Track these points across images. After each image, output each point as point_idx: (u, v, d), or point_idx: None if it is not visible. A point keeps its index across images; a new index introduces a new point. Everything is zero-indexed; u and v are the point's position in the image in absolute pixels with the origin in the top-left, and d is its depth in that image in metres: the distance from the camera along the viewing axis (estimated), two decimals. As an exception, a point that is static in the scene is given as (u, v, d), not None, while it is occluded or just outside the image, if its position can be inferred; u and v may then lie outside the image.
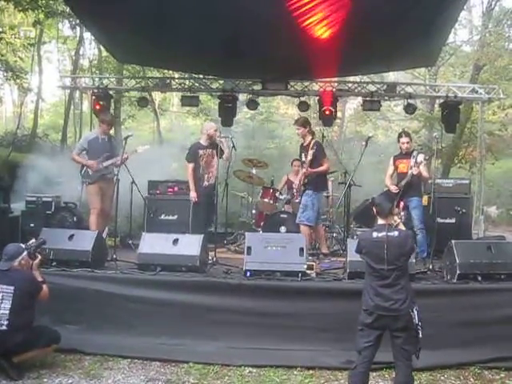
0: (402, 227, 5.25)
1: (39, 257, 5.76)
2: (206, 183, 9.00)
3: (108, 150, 8.73)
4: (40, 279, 5.67)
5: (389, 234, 4.90)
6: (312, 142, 8.61)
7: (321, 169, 8.61)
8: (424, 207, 8.39)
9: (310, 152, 8.45)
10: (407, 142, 8.62)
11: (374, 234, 4.97)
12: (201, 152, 8.99)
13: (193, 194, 8.87)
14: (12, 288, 5.38)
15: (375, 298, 4.81)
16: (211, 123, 10.05)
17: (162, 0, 7.38)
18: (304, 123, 8.87)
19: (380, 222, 5.07)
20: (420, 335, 4.76)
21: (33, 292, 5.52)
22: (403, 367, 4.79)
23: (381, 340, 4.85)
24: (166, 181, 10.01)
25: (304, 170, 8.58)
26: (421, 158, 8.19)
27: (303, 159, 8.74)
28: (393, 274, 4.84)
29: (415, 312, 4.80)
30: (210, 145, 9.02)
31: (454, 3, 7.67)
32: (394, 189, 8.48)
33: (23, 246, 5.76)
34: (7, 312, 5.32)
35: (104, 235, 8.24)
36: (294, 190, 9.24)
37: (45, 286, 5.64)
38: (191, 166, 8.92)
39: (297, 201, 9.35)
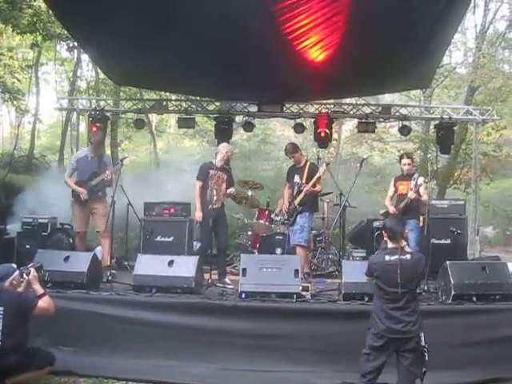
0: (407, 249, 5.27)
1: (32, 271, 5.67)
2: (214, 206, 8.25)
3: (95, 169, 8.62)
4: (41, 292, 5.59)
5: (402, 257, 4.94)
6: (308, 165, 8.68)
7: (317, 189, 8.67)
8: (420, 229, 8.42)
9: (310, 173, 8.55)
10: (408, 164, 8.65)
11: (387, 258, 5.01)
12: (212, 172, 8.39)
13: (198, 214, 8.42)
14: (1, 309, 5.31)
15: (386, 321, 4.83)
16: (228, 144, 9.46)
17: (158, 23, 7.45)
18: (294, 149, 8.91)
19: (391, 245, 5.10)
20: (426, 358, 4.78)
21: (24, 312, 5.39)
22: None
23: (384, 365, 4.86)
24: (162, 202, 9.99)
25: (306, 190, 8.55)
26: (421, 180, 8.22)
27: (296, 180, 8.76)
28: (405, 297, 4.88)
29: (422, 334, 4.84)
30: (221, 167, 8.58)
31: (448, 26, 7.76)
32: (392, 210, 8.51)
33: (14, 265, 5.72)
34: (-1, 333, 5.29)
35: (100, 257, 8.21)
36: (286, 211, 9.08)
37: (41, 301, 5.45)
38: (200, 184, 8.48)
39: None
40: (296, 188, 8.68)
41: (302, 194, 8.58)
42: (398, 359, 4.89)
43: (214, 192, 8.29)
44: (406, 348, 4.82)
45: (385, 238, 5.33)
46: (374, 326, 4.92)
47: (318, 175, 8.52)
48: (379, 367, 4.84)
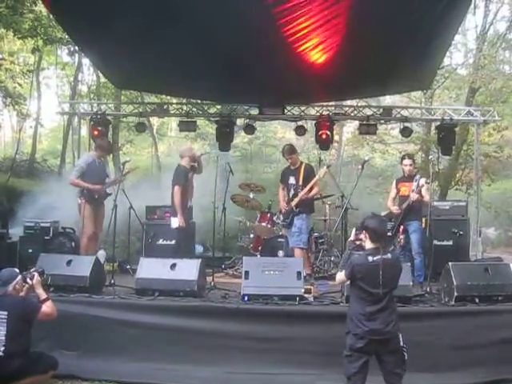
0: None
1: (35, 275, 5.69)
2: (188, 206, 8.98)
3: (104, 173, 9.03)
4: (44, 296, 5.60)
5: (384, 257, 4.91)
6: (303, 166, 8.71)
7: (314, 192, 8.69)
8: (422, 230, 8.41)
9: (305, 175, 8.64)
10: (410, 165, 8.68)
11: (370, 258, 4.94)
12: (189, 175, 8.84)
13: (181, 220, 8.50)
14: (5, 313, 5.33)
15: (368, 323, 4.79)
16: (187, 146, 9.97)
17: (158, 26, 7.46)
18: (292, 151, 8.98)
19: (372, 245, 5.05)
20: (406, 357, 4.78)
21: (27, 317, 5.43)
22: None
23: (368, 364, 4.84)
24: (163, 206, 9.99)
25: (302, 195, 8.58)
26: (423, 181, 8.23)
27: (291, 182, 8.77)
28: (386, 297, 4.87)
29: (400, 335, 4.84)
30: (191, 167, 8.95)
31: (449, 27, 7.76)
32: (395, 210, 8.52)
33: (17, 270, 5.74)
34: (3, 338, 5.27)
35: (102, 260, 8.23)
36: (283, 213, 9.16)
37: (45, 306, 5.51)
38: (181, 189, 8.57)
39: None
40: (292, 190, 8.70)
41: (298, 198, 8.59)
42: (381, 364, 4.87)
43: (189, 194, 8.76)
44: (387, 350, 4.80)
45: (362, 238, 5.23)
46: (354, 329, 4.87)
47: (316, 178, 8.54)
48: (363, 369, 4.81)
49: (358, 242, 5.30)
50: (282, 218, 9.00)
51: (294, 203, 8.61)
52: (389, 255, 5.00)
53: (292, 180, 8.76)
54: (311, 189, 8.63)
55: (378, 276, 4.80)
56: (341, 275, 5.17)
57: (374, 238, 5.04)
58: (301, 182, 8.60)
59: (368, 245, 5.07)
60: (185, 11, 7.13)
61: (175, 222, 8.56)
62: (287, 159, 9.08)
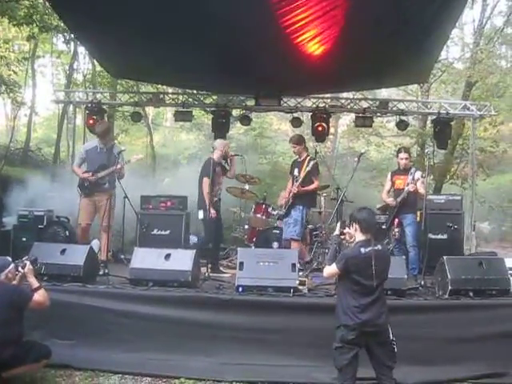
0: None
1: (27, 264, 5.66)
2: (216, 199, 8.84)
3: (104, 161, 8.72)
4: (36, 285, 5.57)
5: (375, 248, 4.92)
6: (307, 159, 8.67)
7: (311, 187, 8.67)
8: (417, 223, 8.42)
9: (306, 169, 8.55)
10: (406, 158, 8.67)
11: (362, 250, 4.95)
12: (217, 169, 8.76)
13: (212, 211, 8.48)
14: None
15: (362, 315, 4.80)
16: (223, 140, 9.84)
17: (155, 16, 7.42)
18: (299, 140, 8.93)
19: (362, 237, 5.05)
20: (395, 350, 4.80)
21: (19, 305, 5.37)
22: (387, 381, 4.86)
23: (358, 356, 4.85)
24: (158, 196, 9.96)
25: (295, 188, 8.59)
26: (418, 175, 8.22)
27: (295, 174, 8.77)
28: (378, 288, 4.88)
29: (389, 327, 4.85)
30: (220, 163, 8.92)
31: (446, 21, 7.75)
32: (390, 201, 8.52)
33: (10, 258, 5.70)
34: (-6, 326, 5.26)
35: (96, 250, 8.19)
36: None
37: (37, 294, 5.43)
38: (209, 181, 8.50)
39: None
40: (295, 181, 8.70)
41: (294, 190, 8.61)
42: (371, 357, 4.88)
43: (217, 187, 8.66)
44: (377, 342, 4.81)
45: (352, 232, 5.22)
46: (346, 321, 4.86)
47: (305, 171, 8.52)
48: (354, 361, 4.81)
49: (342, 237, 5.31)
50: (283, 209, 9.01)
51: (291, 194, 8.62)
52: (379, 246, 5.03)
53: (296, 172, 8.77)
54: (311, 182, 8.62)
55: (371, 267, 4.81)
56: (330, 268, 5.11)
57: (364, 229, 5.04)
58: (302, 175, 8.59)
59: (359, 237, 5.07)
60: (181, 1, 7.10)
61: (201, 213, 8.65)
62: (292, 148, 9.09)
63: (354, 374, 4.84)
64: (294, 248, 8.34)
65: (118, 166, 8.38)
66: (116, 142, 17.31)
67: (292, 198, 8.63)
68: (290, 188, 8.86)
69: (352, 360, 4.80)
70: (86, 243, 8.24)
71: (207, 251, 8.30)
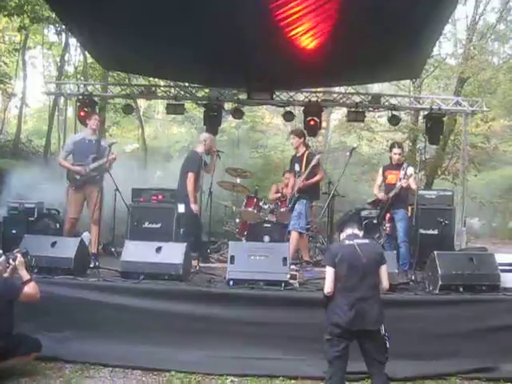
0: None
1: (18, 256, 5.62)
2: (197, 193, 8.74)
3: (94, 152, 8.61)
4: (26, 278, 5.53)
5: (360, 241, 4.96)
6: (306, 154, 8.69)
7: (315, 179, 8.70)
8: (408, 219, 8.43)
9: (312, 164, 8.59)
10: (399, 154, 8.66)
11: (346, 242, 5.01)
12: (203, 163, 8.58)
13: (195, 207, 8.53)
14: None
15: (349, 312, 4.77)
16: (209, 134, 9.74)
17: (147, 8, 7.38)
18: (300, 134, 9.06)
19: (346, 233, 5.10)
20: (388, 345, 4.79)
21: (8, 297, 5.35)
22: (379, 376, 4.84)
23: (349, 349, 4.85)
24: (149, 189, 9.91)
25: (300, 182, 8.60)
26: (411, 170, 8.23)
27: (297, 169, 8.77)
28: (367, 283, 4.85)
29: (383, 325, 4.84)
30: (203, 156, 8.80)
31: (440, 17, 7.75)
32: (382, 196, 8.52)
33: (0, 251, 5.66)
34: (-17, 319, 5.22)
35: (87, 242, 8.15)
36: (287, 198, 9.25)
37: (27, 287, 5.43)
38: (195, 176, 8.56)
39: (283, 209, 9.49)
40: (297, 177, 8.72)
41: (290, 184, 8.63)
42: (363, 351, 4.87)
43: (201, 182, 8.46)
44: (368, 336, 4.81)
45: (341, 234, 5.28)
46: (333, 320, 4.85)
47: (311, 165, 8.54)
48: (344, 353, 4.80)
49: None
50: (288, 203, 9.02)
51: (295, 189, 8.64)
52: (366, 240, 5.06)
53: (297, 167, 8.81)
54: (314, 175, 8.63)
55: (359, 258, 4.81)
56: (326, 272, 5.04)
57: (344, 227, 5.17)
58: (303, 169, 8.62)
59: (344, 236, 5.15)
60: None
61: (182, 207, 8.67)
62: (291, 139, 9.20)
63: (345, 367, 4.83)
64: (295, 240, 8.46)
65: (111, 157, 8.28)
66: (107, 134, 17.32)
67: (297, 193, 8.65)
68: (292, 184, 8.89)
69: (342, 353, 4.79)
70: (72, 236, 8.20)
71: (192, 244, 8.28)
